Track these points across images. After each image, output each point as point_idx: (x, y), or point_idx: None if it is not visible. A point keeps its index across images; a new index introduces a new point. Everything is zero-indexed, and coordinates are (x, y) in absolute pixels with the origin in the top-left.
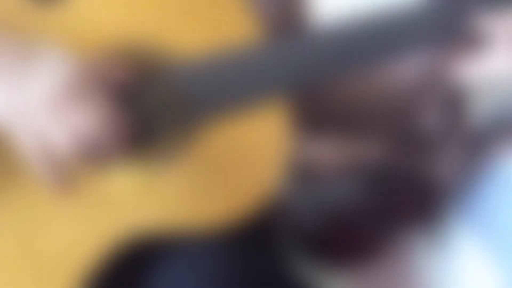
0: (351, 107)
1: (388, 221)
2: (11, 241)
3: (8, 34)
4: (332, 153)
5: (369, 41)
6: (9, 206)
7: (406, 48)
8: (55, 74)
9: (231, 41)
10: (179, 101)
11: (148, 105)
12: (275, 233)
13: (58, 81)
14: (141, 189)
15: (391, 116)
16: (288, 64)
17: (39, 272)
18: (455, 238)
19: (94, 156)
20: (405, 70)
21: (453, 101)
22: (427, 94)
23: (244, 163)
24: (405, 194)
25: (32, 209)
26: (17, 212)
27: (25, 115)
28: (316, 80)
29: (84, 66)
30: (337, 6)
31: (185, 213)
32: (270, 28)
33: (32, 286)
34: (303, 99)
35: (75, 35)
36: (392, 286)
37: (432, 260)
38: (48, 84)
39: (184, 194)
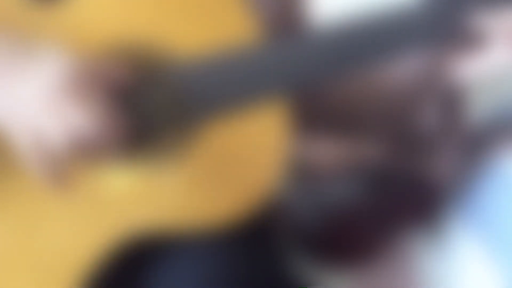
0: (350, 107)
1: (387, 221)
2: (10, 241)
3: (7, 32)
4: (332, 153)
5: (368, 41)
6: (8, 205)
7: (404, 48)
8: (52, 71)
9: (231, 41)
10: (179, 101)
11: (148, 105)
12: (275, 233)
13: (55, 78)
14: (141, 188)
15: (390, 116)
16: (287, 64)
17: (38, 272)
18: (455, 238)
19: (89, 154)
20: (403, 70)
21: (451, 101)
22: (426, 94)
23: (243, 162)
24: (404, 194)
25: (31, 209)
26: (16, 212)
27: (22, 111)
28: (315, 80)
29: (82, 64)
30: (336, 6)
31: (185, 213)
32: (270, 28)
33: (31, 286)
34: (302, 99)
35: (75, 35)
36: (392, 286)
37: (432, 260)
38: (45, 81)
39: (184, 193)
